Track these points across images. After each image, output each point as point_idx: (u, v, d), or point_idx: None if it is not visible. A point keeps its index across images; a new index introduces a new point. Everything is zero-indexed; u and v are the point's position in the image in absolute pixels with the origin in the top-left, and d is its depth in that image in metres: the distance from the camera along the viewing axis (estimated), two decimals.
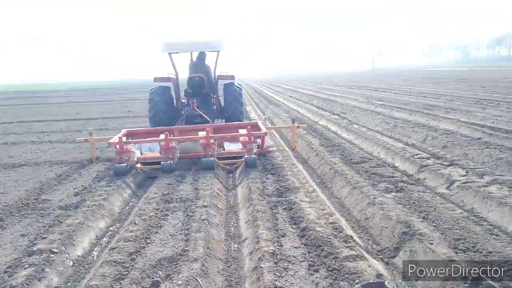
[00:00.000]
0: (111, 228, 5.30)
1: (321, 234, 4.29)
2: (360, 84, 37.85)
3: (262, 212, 5.06)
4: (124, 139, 7.78)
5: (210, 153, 7.69)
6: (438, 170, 6.62)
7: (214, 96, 10.68)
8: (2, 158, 9.27)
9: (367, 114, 14.29)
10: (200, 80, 10.07)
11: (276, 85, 44.41)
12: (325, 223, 4.61)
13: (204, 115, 9.71)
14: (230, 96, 10.10)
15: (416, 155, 7.71)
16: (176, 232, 4.69)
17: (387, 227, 4.63)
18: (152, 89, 10.02)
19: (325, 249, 3.97)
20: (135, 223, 4.90)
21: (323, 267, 3.69)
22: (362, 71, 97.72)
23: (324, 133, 11.11)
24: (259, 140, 8.45)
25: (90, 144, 8.69)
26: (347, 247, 3.99)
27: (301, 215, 4.92)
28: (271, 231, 4.55)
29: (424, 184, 6.30)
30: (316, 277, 3.55)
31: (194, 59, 10.41)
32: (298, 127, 9.67)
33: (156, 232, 4.70)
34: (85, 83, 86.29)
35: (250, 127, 8.18)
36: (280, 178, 6.65)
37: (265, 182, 6.56)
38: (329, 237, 4.23)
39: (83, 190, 6.54)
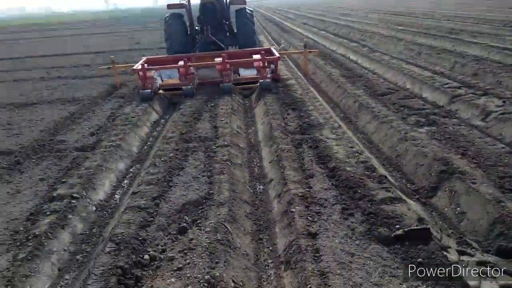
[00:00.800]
0: (131, 170, 5.13)
1: (352, 175, 4.04)
2: (377, 8, 35.72)
3: (287, 151, 4.80)
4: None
5: (227, 78, 7.95)
6: (471, 100, 6.19)
7: (227, 22, 10.47)
8: (13, 97, 9.02)
9: (389, 41, 13.45)
10: (212, 6, 9.91)
11: (287, 11, 42.28)
12: (355, 162, 4.34)
13: (218, 41, 9.76)
14: (242, 22, 10.02)
15: (446, 84, 7.22)
16: (199, 174, 4.49)
17: (422, 165, 4.35)
18: (167, 17, 10.02)
19: (359, 191, 3.73)
20: (155, 165, 4.70)
21: (358, 211, 3.48)
22: None
23: (344, 62, 10.50)
24: (273, 66, 8.69)
25: (113, 72, 9.05)
26: (382, 188, 3.75)
27: (328, 154, 4.65)
28: (298, 171, 4.31)
29: (457, 116, 5.91)
30: (352, 222, 3.35)
31: None
32: (310, 52, 9.46)
33: (178, 174, 4.51)
34: (86, 13, 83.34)
35: (263, 52, 8.33)
36: (302, 114, 6.30)
37: (286, 118, 6.23)
38: (362, 177, 3.98)
39: (98, 129, 6.32)
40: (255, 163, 5.06)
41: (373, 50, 12.12)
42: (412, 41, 12.97)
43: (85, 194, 4.18)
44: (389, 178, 4.13)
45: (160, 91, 8.19)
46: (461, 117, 5.85)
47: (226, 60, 7.87)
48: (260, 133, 6.03)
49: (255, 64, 8.46)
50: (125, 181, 4.84)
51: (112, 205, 4.26)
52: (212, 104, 7.22)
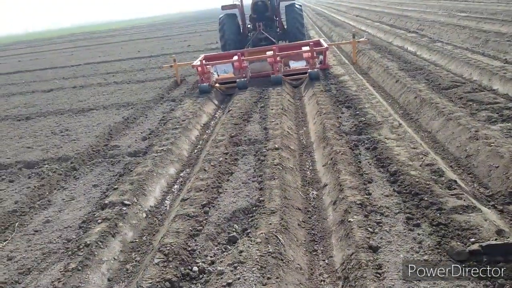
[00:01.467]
0: (181, 174, 5.06)
1: (416, 179, 3.65)
2: None
3: (342, 154, 4.47)
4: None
5: (277, 70, 8.40)
6: None
7: (277, 19, 11.08)
8: (72, 103, 9.42)
9: (450, 29, 12.50)
10: (263, 5, 10.52)
11: (338, 4, 41.21)
12: (420, 165, 3.94)
13: (269, 36, 10.35)
14: (291, 17, 10.61)
15: None
16: (249, 179, 4.31)
17: (497, 167, 3.85)
18: (221, 17, 10.81)
19: (425, 198, 3.35)
20: (204, 170, 4.58)
21: (425, 221, 3.11)
22: None
23: (402, 55, 9.87)
24: (321, 57, 8.98)
25: (175, 69, 9.79)
26: (452, 195, 3.34)
27: (388, 156, 4.27)
28: (355, 176, 3.99)
29: None
30: (418, 234, 2.99)
31: None
32: (358, 41, 9.78)
33: (228, 180, 4.36)
34: (141, 20, 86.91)
35: (312, 44, 8.66)
36: (357, 112, 5.93)
37: (340, 117, 5.89)
38: (428, 182, 3.58)
39: (150, 134, 6.36)
40: (308, 167, 4.79)
41: (433, 40, 11.33)
42: (477, 28, 11.96)
43: (136, 201, 4.14)
44: (460, 183, 3.69)
45: (217, 85, 8.76)
46: None
47: (276, 53, 8.28)
48: (312, 133, 5.74)
49: (304, 55, 8.85)
50: (175, 186, 4.78)
51: (162, 212, 4.20)
52: (262, 105, 7.03)
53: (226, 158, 4.85)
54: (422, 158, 4.08)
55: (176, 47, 18.93)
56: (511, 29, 10.96)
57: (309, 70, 8.25)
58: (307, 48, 8.73)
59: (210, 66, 8.87)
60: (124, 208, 3.95)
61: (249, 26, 11.09)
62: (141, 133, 6.49)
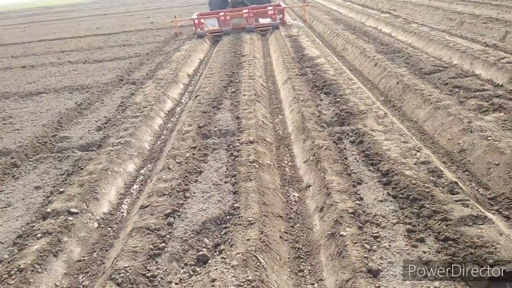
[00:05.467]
0: (141, 171, 4.41)
1: (413, 181, 3.20)
2: None
3: (325, 149, 3.96)
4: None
5: (251, 23, 12.02)
6: None
7: None
8: (20, 85, 8.41)
9: (423, 10, 12.17)
10: None
11: None
12: (415, 164, 3.49)
13: (244, 1, 13.58)
14: None
15: (503, 58, 6.17)
16: (221, 179, 3.73)
17: (497, 164, 3.46)
18: None
19: (426, 205, 2.90)
20: (169, 168, 3.95)
21: (430, 235, 2.66)
22: None
23: (377, 36, 9.42)
24: (281, 15, 12.73)
25: (175, 24, 12.68)
26: (457, 201, 2.90)
27: (378, 152, 3.80)
28: (342, 176, 3.49)
29: None
30: (424, 252, 2.53)
31: None
32: (307, 5, 14.20)
33: (196, 181, 3.77)
34: None
35: (275, 5, 13.12)
36: (337, 99, 5.42)
37: (319, 104, 5.37)
38: (426, 185, 3.13)
39: (106, 122, 5.62)
40: (286, 162, 4.26)
41: (408, 21, 10.95)
42: (450, 9, 11.67)
43: (85, 208, 3.49)
44: (462, 186, 3.26)
45: (207, 34, 12.01)
46: None
47: (250, 11, 11.99)
48: (289, 123, 5.21)
49: (269, 13, 12.48)
50: (135, 186, 4.14)
51: (118, 220, 3.56)
52: (233, 90, 6.41)
53: (194, 154, 4.23)
54: (415, 154, 3.64)
55: (138, 24, 17.70)
56: (484, 11, 10.74)
57: (272, 22, 12.07)
58: (271, 8, 12.57)
59: (203, 20, 12.33)
60: (71, 218, 3.30)
61: None
62: (96, 121, 5.74)
